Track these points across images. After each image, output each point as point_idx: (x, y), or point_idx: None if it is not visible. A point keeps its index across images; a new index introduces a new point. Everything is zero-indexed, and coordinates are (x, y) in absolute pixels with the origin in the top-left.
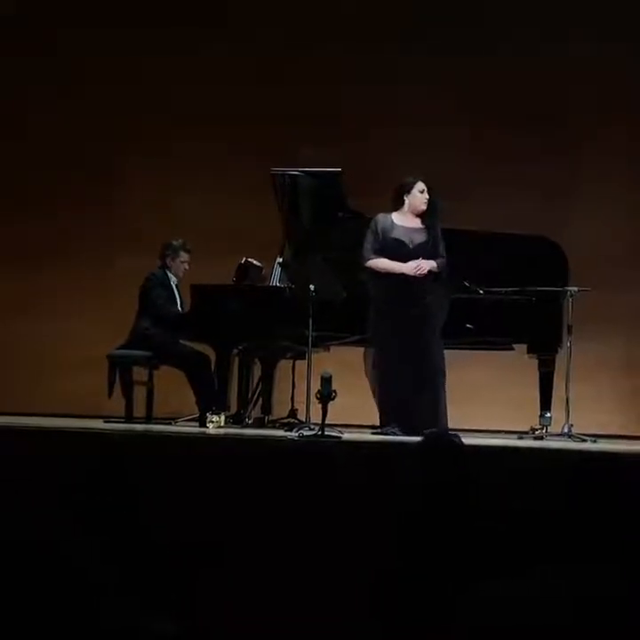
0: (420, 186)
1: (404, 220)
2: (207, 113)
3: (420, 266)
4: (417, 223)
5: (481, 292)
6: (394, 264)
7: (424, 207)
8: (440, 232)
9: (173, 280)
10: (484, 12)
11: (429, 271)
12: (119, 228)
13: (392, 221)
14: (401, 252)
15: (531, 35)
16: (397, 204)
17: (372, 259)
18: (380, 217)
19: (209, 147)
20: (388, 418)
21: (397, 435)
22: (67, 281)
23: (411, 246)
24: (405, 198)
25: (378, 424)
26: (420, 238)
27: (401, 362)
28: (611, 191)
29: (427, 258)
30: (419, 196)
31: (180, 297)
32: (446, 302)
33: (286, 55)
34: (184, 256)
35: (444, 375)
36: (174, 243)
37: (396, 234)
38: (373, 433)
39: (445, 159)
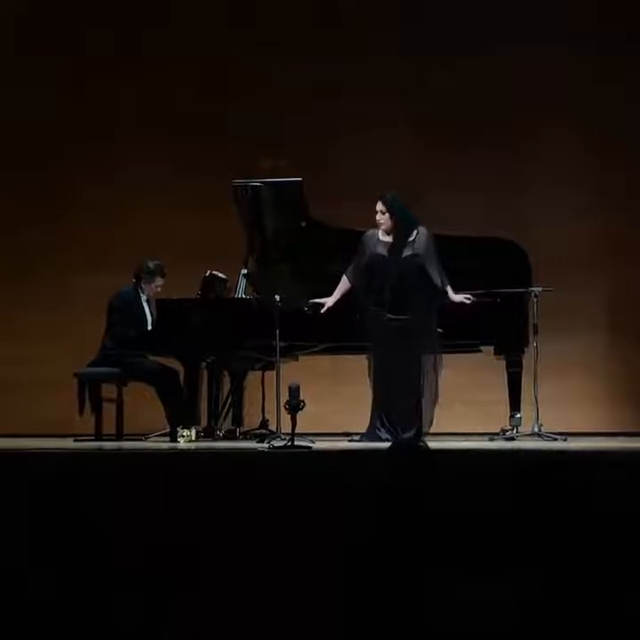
0: (376, 207)
1: (389, 236)
2: (165, 123)
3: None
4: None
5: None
6: (334, 296)
7: (382, 227)
8: (433, 255)
9: (144, 297)
10: (427, 13)
11: (413, 285)
12: (77, 247)
13: (377, 237)
14: (384, 265)
15: (474, 35)
16: None
17: (344, 276)
18: (368, 233)
19: (170, 159)
20: (380, 423)
21: (384, 440)
22: (24, 300)
23: (393, 260)
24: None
25: (351, 431)
26: (405, 252)
27: (390, 370)
28: (565, 191)
29: (411, 272)
30: (376, 216)
31: (152, 313)
32: (433, 313)
33: (236, 62)
34: (159, 281)
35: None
36: (151, 266)
37: (379, 249)
38: (351, 440)
39: (395, 161)
